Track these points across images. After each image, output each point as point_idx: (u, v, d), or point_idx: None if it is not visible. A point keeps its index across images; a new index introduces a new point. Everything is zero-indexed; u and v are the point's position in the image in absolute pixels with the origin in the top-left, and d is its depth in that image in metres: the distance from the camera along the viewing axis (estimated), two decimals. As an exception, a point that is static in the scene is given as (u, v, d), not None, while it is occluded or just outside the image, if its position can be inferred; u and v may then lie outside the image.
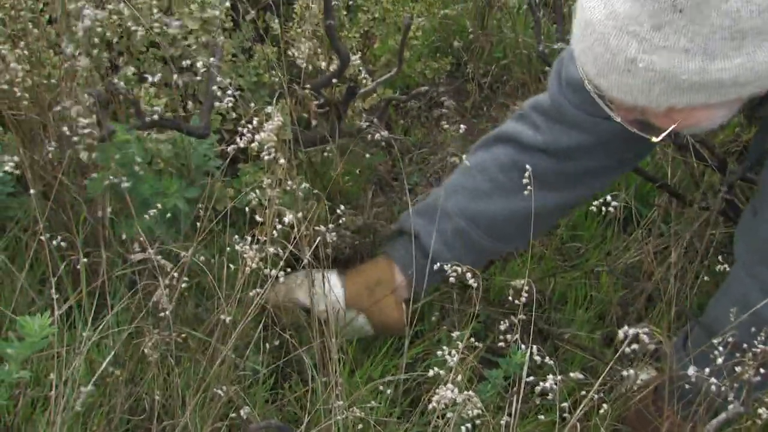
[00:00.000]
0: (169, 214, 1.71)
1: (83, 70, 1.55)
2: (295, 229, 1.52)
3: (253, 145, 1.52)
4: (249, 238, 1.51)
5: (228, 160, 1.66)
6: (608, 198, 1.64)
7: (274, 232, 1.51)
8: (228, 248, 1.59)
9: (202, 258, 1.58)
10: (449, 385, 1.35)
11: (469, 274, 1.53)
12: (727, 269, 1.73)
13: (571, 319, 2.09)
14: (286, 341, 1.68)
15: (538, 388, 1.39)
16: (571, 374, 1.48)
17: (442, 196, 1.82)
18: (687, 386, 1.56)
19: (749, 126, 1.67)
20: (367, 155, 2.11)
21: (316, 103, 1.93)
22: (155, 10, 1.80)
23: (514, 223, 1.81)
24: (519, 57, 2.71)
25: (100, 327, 1.49)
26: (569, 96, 1.72)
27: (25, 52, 1.66)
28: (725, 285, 1.76)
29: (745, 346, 1.47)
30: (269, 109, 1.58)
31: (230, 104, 1.66)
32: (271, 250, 1.51)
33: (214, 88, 1.68)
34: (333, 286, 1.78)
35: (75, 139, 1.59)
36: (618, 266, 2.13)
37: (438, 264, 1.71)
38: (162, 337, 1.50)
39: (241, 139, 1.52)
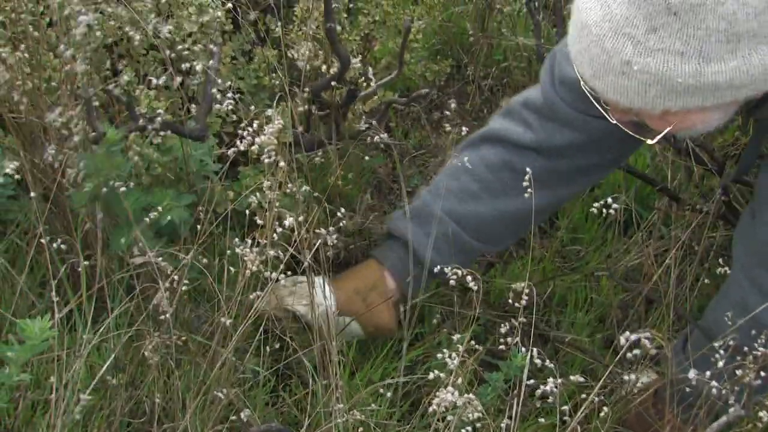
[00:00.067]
0: (164, 223, 1.70)
1: (81, 74, 1.55)
2: (296, 233, 1.52)
3: (253, 148, 1.52)
4: (249, 241, 1.51)
5: (228, 162, 1.66)
6: (609, 200, 1.64)
7: (275, 235, 1.51)
8: (228, 251, 1.59)
9: (204, 261, 1.58)
10: (449, 388, 1.35)
11: (469, 277, 1.53)
12: (728, 272, 1.73)
13: (572, 322, 2.09)
14: (286, 344, 1.68)
15: (538, 391, 1.39)
16: (572, 377, 1.49)
17: (429, 198, 1.82)
18: (687, 389, 1.56)
19: (746, 128, 1.67)
20: (366, 158, 2.12)
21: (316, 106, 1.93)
22: (153, 15, 1.80)
23: (503, 223, 1.81)
24: (519, 59, 2.71)
25: (101, 330, 1.49)
26: (562, 94, 1.72)
27: (26, 54, 1.66)
28: (724, 287, 1.76)
29: (746, 349, 1.47)
30: (269, 112, 1.58)
31: (230, 107, 1.66)
32: (272, 253, 1.51)
33: (213, 90, 1.68)
34: (324, 292, 1.77)
35: (69, 143, 1.59)
36: (618, 269, 2.13)
37: (425, 266, 1.71)
38: (162, 340, 1.50)
39: (241, 142, 1.52)
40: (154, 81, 1.65)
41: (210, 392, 1.52)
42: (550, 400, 1.41)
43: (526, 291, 1.49)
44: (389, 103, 2.11)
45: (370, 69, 1.96)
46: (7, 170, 1.59)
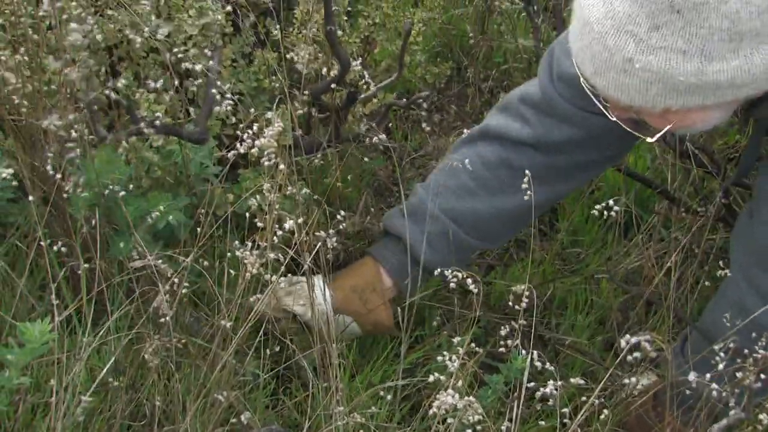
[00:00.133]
0: (161, 226, 1.70)
1: (78, 80, 1.55)
2: (296, 235, 1.52)
3: (253, 150, 1.52)
4: (249, 244, 1.51)
5: (228, 165, 1.66)
6: (609, 203, 1.64)
7: (275, 237, 1.51)
8: (228, 254, 1.59)
9: (206, 264, 1.58)
10: (450, 391, 1.35)
11: (469, 280, 1.52)
12: (728, 274, 1.73)
13: (572, 325, 2.09)
14: (286, 346, 1.68)
15: (538, 394, 1.39)
16: (572, 380, 1.49)
17: (425, 195, 1.81)
18: (687, 392, 1.55)
19: (745, 128, 1.66)
20: (366, 159, 2.12)
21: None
22: (153, 17, 1.80)
23: (500, 220, 1.81)
24: (519, 62, 2.71)
25: (101, 333, 1.49)
26: (561, 90, 1.71)
27: (25, 57, 1.66)
28: (722, 288, 1.75)
29: (746, 351, 1.47)
30: (269, 114, 1.58)
31: (229, 109, 1.66)
32: (272, 255, 1.50)
33: (213, 91, 1.68)
34: (322, 292, 1.77)
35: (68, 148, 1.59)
36: (618, 272, 2.13)
37: (421, 265, 1.70)
38: (162, 342, 1.50)
39: (241, 144, 1.52)
40: (153, 84, 1.65)
41: (210, 395, 1.52)
42: (551, 402, 1.40)
43: (527, 293, 1.49)
44: (389, 105, 2.11)
45: (366, 73, 1.96)
46: (4, 174, 1.59)
